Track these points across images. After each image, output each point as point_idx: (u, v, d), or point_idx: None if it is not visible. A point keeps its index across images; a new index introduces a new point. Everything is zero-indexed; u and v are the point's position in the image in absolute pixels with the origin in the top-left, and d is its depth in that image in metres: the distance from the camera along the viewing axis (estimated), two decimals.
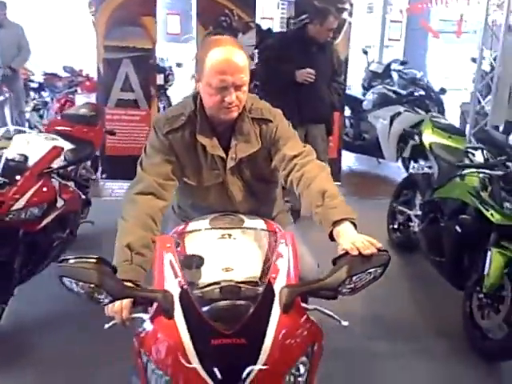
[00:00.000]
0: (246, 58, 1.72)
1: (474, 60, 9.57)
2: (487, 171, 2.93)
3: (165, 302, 1.34)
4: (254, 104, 1.88)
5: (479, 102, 5.52)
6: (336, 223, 1.52)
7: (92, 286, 1.33)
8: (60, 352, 2.75)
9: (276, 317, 1.30)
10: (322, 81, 4.12)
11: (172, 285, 1.41)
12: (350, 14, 4.96)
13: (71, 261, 1.35)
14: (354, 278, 1.35)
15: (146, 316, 1.44)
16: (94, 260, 1.36)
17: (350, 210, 1.59)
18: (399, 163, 6.27)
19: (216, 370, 1.22)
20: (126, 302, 1.44)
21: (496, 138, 2.96)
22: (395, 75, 7.94)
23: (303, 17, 4.46)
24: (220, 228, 1.71)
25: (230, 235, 1.66)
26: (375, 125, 6.31)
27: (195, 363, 1.24)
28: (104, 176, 5.00)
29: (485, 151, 3.21)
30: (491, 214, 2.81)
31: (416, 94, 6.41)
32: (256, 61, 4.65)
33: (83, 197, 3.47)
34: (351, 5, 4.95)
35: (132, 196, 1.76)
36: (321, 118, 4.24)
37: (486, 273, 2.80)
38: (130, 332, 1.46)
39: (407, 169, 6.18)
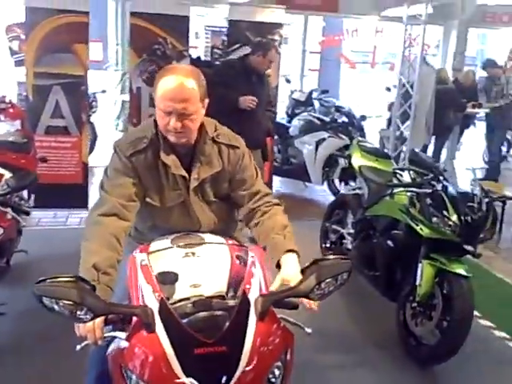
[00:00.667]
0: (196, 88, 1.80)
1: (388, 89, 10.27)
2: (415, 189, 3.19)
3: (145, 316, 1.38)
4: (218, 129, 1.98)
5: (398, 128, 5.93)
6: (287, 251, 1.72)
7: (73, 303, 1.34)
8: None
9: (253, 325, 1.38)
10: (260, 108, 4.36)
11: (150, 300, 1.45)
12: (279, 45, 5.21)
13: (48, 281, 1.36)
14: (322, 285, 1.46)
15: (120, 334, 1.47)
16: (72, 278, 1.38)
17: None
18: (325, 186, 6.59)
19: (200, 378, 1.29)
20: (98, 321, 1.46)
21: (424, 160, 3.24)
22: (316, 103, 8.36)
23: (236, 46, 4.67)
24: (182, 246, 1.77)
25: (193, 253, 1.73)
26: (302, 150, 6.58)
27: (180, 374, 1.29)
28: (35, 204, 4.85)
29: (411, 172, 3.49)
30: (420, 229, 3.06)
31: (339, 120, 6.77)
32: None
33: (21, 224, 3.38)
34: (281, 36, 5.21)
35: (96, 218, 1.79)
36: (258, 143, 4.39)
37: (418, 283, 3.03)
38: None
39: (333, 191, 6.51)
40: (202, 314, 1.44)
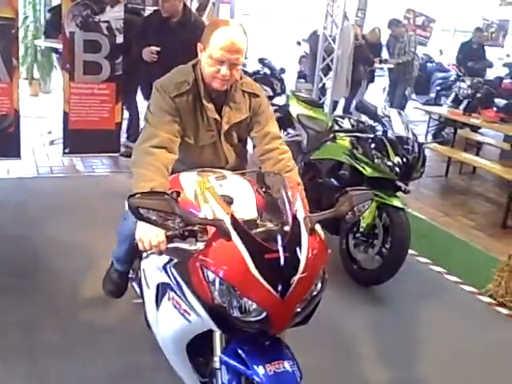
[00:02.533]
0: (245, 41, 2.03)
1: (298, 43, 10.62)
2: (359, 134, 3.59)
3: (222, 227, 1.62)
4: (242, 78, 2.20)
5: (321, 80, 6.31)
6: None
7: (166, 214, 1.57)
8: None
9: (305, 238, 1.66)
10: (179, 58, 4.24)
11: (222, 215, 1.67)
12: None
13: (139, 195, 1.60)
14: (355, 209, 1.80)
15: (182, 245, 1.72)
16: (164, 193, 1.63)
17: None
18: None
19: (271, 277, 1.56)
20: (162, 236, 1.71)
21: (369, 107, 3.63)
22: None
23: None
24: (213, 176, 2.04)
25: (220, 185, 1.98)
26: None
27: (256, 274, 1.55)
28: None
29: (351, 119, 3.89)
30: (364, 169, 3.48)
31: (261, 72, 7.02)
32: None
33: None
34: None
35: (148, 149, 1.99)
36: None
37: (361, 217, 3.46)
38: None
39: None
40: (261, 228, 1.71)
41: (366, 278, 3.53)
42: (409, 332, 3.09)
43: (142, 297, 2.37)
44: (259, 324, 1.62)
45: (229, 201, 1.82)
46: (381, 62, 8.30)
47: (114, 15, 4.97)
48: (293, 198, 1.78)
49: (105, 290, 2.65)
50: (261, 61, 7.09)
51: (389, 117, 3.57)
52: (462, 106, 8.24)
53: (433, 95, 10.95)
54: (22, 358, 2.53)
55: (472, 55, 9.77)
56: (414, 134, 3.59)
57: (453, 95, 8.70)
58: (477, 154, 6.65)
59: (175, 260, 1.84)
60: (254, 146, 2.28)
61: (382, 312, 3.28)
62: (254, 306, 1.59)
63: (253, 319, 1.60)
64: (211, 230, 1.67)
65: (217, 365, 1.76)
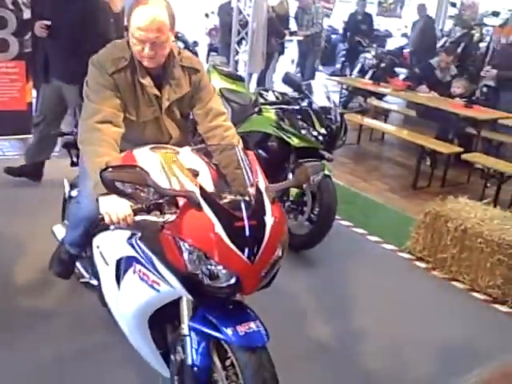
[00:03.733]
0: (167, 19, 2.00)
1: (206, 15, 10.55)
2: (285, 106, 3.71)
3: (193, 198, 1.68)
4: (181, 53, 2.20)
5: (237, 53, 6.36)
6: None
7: (141, 185, 1.62)
8: None
9: (269, 206, 1.75)
10: (76, 33, 3.77)
11: (191, 187, 1.74)
12: None
13: (111, 168, 1.64)
14: (310, 179, 1.93)
15: (150, 217, 1.77)
16: (135, 166, 1.67)
17: None
18: None
19: (240, 243, 1.65)
20: (129, 210, 1.75)
21: (295, 80, 3.75)
22: None
23: None
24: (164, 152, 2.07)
25: (174, 160, 2.02)
26: None
27: (227, 241, 1.64)
28: None
29: (275, 92, 4.01)
30: (291, 139, 3.62)
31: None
32: None
33: None
34: None
35: (94, 125, 1.98)
36: (73, 77, 3.65)
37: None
38: None
39: None
40: (230, 197, 1.79)
41: (297, 244, 3.70)
42: (342, 289, 3.32)
43: (95, 275, 2.38)
44: (230, 288, 1.71)
45: (195, 173, 1.88)
46: (291, 34, 8.48)
47: None
48: (253, 168, 1.87)
49: (53, 272, 2.62)
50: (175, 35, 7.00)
51: (312, 88, 3.72)
52: (367, 76, 8.70)
53: (338, 66, 11.39)
54: None
55: (358, 25, 10.00)
56: (335, 105, 3.78)
57: (359, 66, 9.13)
58: (385, 121, 7.07)
59: (140, 233, 1.87)
60: (197, 123, 2.31)
61: (314, 273, 3.48)
62: (225, 271, 1.67)
63: (225, 284, 1.69)
64: (180, 201, 1.72)
65: (185, 331, 1.83)
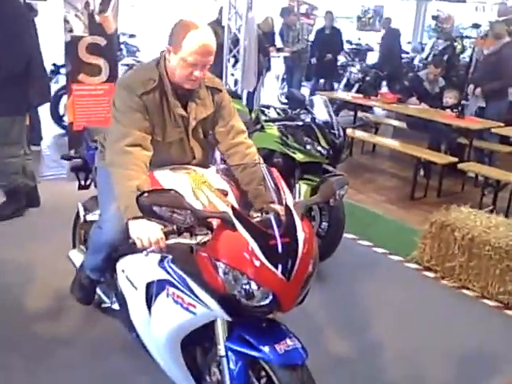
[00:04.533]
0: (215, 42, 2.06)
1: None
2: (289, 123, 3.75)
3: (228, 218, 1.68)
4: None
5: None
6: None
7: (178, 209, 1.63)
8: None
9: (299, 223, 1.76)
10: None
11: (224, 208, 1.75)
12: None
13: (147, 193, 1.66)
14: (336, 193, 1.95)
15: (182, 240, 1.78)
16: (170, 190, 1.67)
17: None
18: None
19: (275, 261, 1.66)
20: (161, 233, 1.76)
21: (298, 96, 3.80)
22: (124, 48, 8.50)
23: None
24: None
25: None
26: None
27: (263, 259, 1.64)
28: None
29: (276, 109, 4.05)
30: (296, 154, 3.66)
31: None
32: None
33: None
34: None
35: (124, 148, 1.99)
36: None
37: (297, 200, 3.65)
38: None
39: None
40: (258, 218, 1.81)
41: None
42: (354, 302, 3.33)
43: (117, 300, 2.35)
44: (268, 307, 1.71)
45: (225, 193, 1.89)
46: (278, 50, 8.57)
47: None
48: (279, 185, 1.88)
49: (75, 298, 2.59)
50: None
51: (314, 104, 3.77)
52: (354, 90, 8.82)
53: (322, 81, 11.51)
54: None
55: (325, 40, 9.40)
56: (337, 120, 3.83)
57: (345, 80, 9.25)
58: (375, 134, 7.15)
59: (171, 256, 1.87)
60: (218, 142, 2.33)
61: (325, 287, 3.48)
62: (262, 289, 1.67)
63: (262, 303, 1.69)
64: (214, 221, 1.73)
65: (222, 352, 1.82)
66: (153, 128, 2.14)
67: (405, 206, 5.18)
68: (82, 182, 3.12)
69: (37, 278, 3.27)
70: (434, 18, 8.70)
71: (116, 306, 2.48)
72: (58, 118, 6.73)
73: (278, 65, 10.00)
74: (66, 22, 4.99)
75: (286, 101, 9.32)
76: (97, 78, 5.24)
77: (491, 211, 4.00)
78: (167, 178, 2.08)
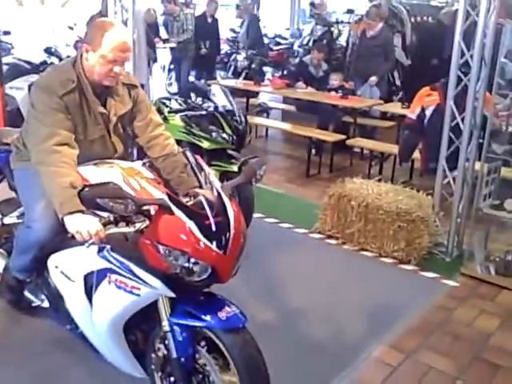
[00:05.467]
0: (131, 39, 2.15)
1: (71, 27, 10.26)
2: (194, 112, 3.90)
3: (165, 204, 1.82)
4: None
5: None
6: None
7: (121, 199, 1.75)
8: None
9: (228, 202, 1.94)
10: None
11: (160, 195, 1.89)
12: None
13: (87, 188, 1.77)
14: (257, 172, 2.17)
15: (122, 229, 1.90)
16: (109, 182, 1.79)
17: None
18: None
19: (212, 238, 1.84)
20: (100, 225, 1.86)
21: (200, 87, 3.94)
22: None
23: None
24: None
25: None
26: (14, 95, 6.37)
27: (202, 238, 1.81)
28: None
29: (178, 100, 4.17)
30: (202, 142, 3.83)
31: (49, 62, 6.77)
32: None
33: None
34: None
35: (51, 148, 2.05)
36: None
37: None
38: None
39: None
40: (190, 201, 1.95)
41: None
42: (268, 274, 3.59)
43: (50, 297, 2.40)
44: (208, 280, 1.89)
45: (158, 182, 2.02)
46: (164, 41, 8.58)
47: None
48: (205, 171, 2.05)
49: (5, 300, 2.58)
50: (47, 50, 6.82)
51: (214, 93, 3.96)
52: (241, 77, 9.08)
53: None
54: None
55: (207, 29, 9.01)
56: (238, 107, 4.05)
57: (232, 68, 9.50)
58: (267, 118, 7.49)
59: (109, 246, 1.97)
60: (137, 136, 2.43)
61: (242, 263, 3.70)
62: (202, 265, 1.84)
63: (203, 277, 1.86)
64: (151, 209, 1.86)
65: (167, 328, 1.97)
66: (75, 127, 2.20)
67: (302, 184, 5.55)
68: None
69: None
70: (311, 4, 9.17)
71: (46, 304, 2.51)
72: None
73: (164, 56, 10.01)
74: None
75: (174, 91, 9.55)
76: None
77: (379, 180, 4.44)
78: (95, 173, 2.16)
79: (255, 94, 8.02)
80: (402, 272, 3.73)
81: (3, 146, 2.70)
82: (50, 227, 2.17)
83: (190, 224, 1.83)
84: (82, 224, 1.88)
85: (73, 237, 1.90)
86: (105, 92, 2.27)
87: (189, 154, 2.14)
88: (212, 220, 1.87)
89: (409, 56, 7.79)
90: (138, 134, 2.42)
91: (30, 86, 6.31)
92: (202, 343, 2.03)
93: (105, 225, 1.89)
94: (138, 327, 2.19)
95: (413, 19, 8.12)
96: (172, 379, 2.03)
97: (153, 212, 1.90)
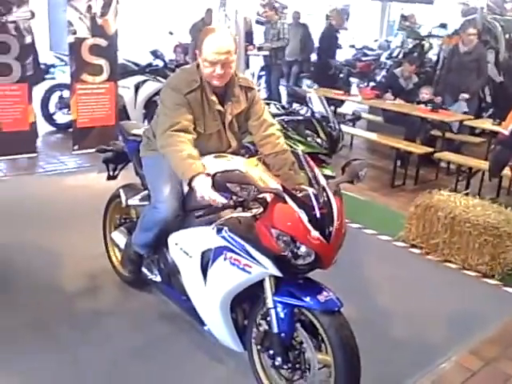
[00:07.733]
0: (232, 42, 2.44)
1: (171, 33, 10.82)
2: (291, 117, 4.16)
3: (279, 194, 2.09)
4: (237, 75, 2.62)
5: None
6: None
7: (245, 185, 2.04)
8: None
9: (332, 198, 2.17)
10: None
11: (276, 185, 2.16)
12: None
13: (221, 173, 2.04)
14: (359, 174, 2.38)
15: (238, 214, 2.22)
16: (236, 170, 2.09)
17: None
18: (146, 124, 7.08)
19: (318, 228, 2.08)
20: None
21: (299, 92, 4.21)
22: None
23: None
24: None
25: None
26: (122, 94, 6.87)
27: (310, 227, 2.06)
28: None
29: (276, 105, 4.46)
30: (297, 146, 4.07)
31: (154, 64, 7.28)
32: None
33: None
34: None
35: (171, 133, 2.40)
36: None
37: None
38: None
39: None
40: (301, 194, 2.19)
41: None
42: (353, 276, 3.76)
43: (163, 272, 2.73)
44: (312, 264, 2.12)
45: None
46: (259, 49, 8.94)
47: (21, 15, 4.94)
48: (314, 168, 2.29)
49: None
50: (153, 53, 7.32)
51: (311, 99, 4.20)
52: None
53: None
54: (43, 354, 2.69)
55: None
56: (333, 114, 4.27)
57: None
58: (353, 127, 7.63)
59: (227, 227, 2.26)
60: (251, 134, 2.72)
61: None
62: (307, 250, 2.08)
63: (308, 261, 2.10)
64: (267, 197, 2.13)
65: (270, 305, 2.22)
66: (196, 121, 2.52)
67: (386, 193, 5.66)
68: (111, 173, 3.46)
69: (66, 261, 3.60)
70: (402, 16, 9.23)
71: (158, 279, 2.85)
72: (48, 117, 6.97)
73: (255, 63, 10.42)
74: (70, 24, 5.28)
75: (263, 97, 9.91)
76: (98, 77, 5.55)
77: (466, 194, 4.49)
78: (216, 163, 2.45)
79: (340, 104, 8.19)
80: (484, 285, 3.79)
81: (132, 137, 3.07)
82: (174, 209, 2.51)
83: (301, 213, 2.07)
84: (203, 187, 2.18)
85: (197, 217, 2.19)
86: (223, 92, 2.57)
87: (301, 152, 2.39)
88: (318, 211, 2.10)
89: (501, 73, 7.70)
90: (253, 132, 2.70)
91: (136, 87, 6.94)
92: (298, 324, 2.27)
93: (226, 208, 2.17)
94: (240, 306, 2.45)
95: (507, 35, 8.02)
96: (271, 352, 2.27)
97: (269, 199, 2.15)
